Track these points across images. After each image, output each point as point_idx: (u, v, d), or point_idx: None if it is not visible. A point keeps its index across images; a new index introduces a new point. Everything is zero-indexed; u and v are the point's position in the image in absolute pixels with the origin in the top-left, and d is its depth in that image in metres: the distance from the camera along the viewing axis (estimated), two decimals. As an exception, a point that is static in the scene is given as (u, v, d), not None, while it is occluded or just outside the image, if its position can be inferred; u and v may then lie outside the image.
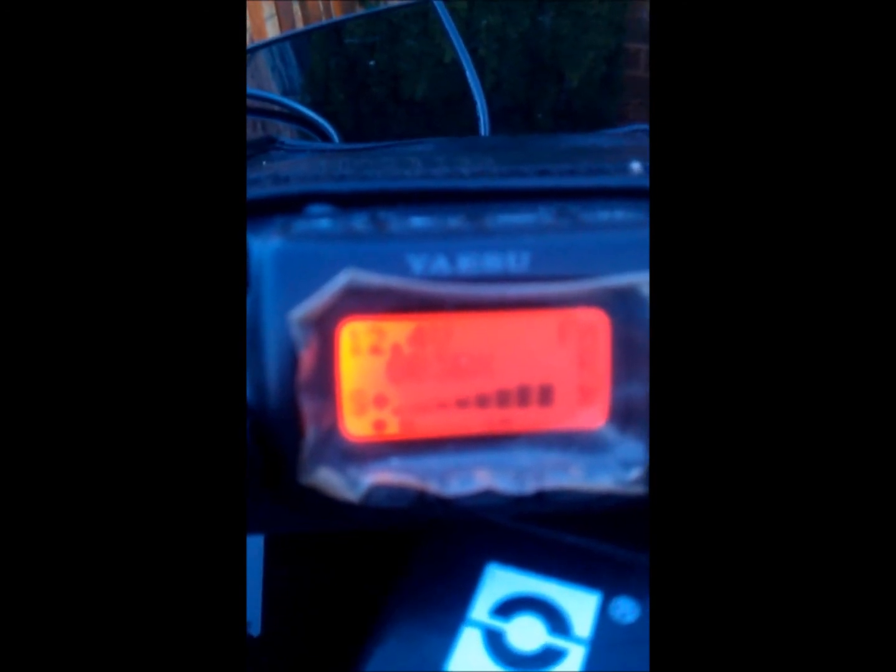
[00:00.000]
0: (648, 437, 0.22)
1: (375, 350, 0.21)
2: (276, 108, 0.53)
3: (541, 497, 0.21)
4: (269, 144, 0.37)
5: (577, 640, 0.20)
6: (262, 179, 0.24)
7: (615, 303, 0.21)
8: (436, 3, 0.56)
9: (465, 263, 0.20)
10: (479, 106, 0.46)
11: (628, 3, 0.82)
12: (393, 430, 0.22)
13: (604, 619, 0.21)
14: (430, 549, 0.23)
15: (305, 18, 1.20)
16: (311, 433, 0.21)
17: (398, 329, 0.21)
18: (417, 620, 0.21)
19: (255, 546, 0.29)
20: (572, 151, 0.33)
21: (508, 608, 0.21)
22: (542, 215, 0.21)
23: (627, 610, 0.21)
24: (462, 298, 0.20)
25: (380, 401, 0.21)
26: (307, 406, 0.21)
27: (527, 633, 0.21)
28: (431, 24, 0.68)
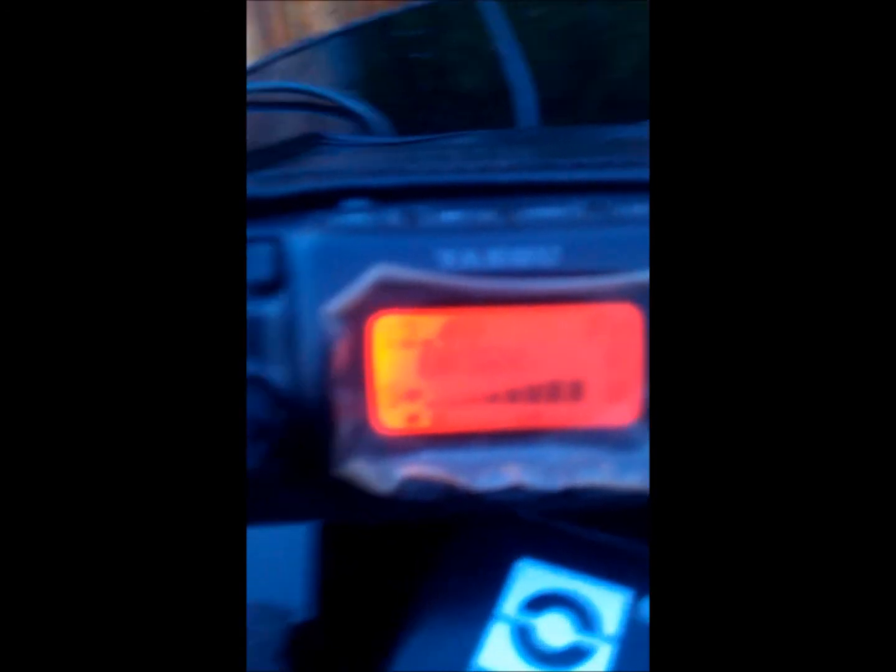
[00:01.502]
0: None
1: (407, 344, 0.21)
2: (322, 101, 0.53)
3: (570, 494, 0.21)
4: (313, 140, 0.38)
5: (606, 639, 0.20)
6: (300, 175, 0.24)
7: (647, 297, 0.21)
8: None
9: (495, 258, 0.20)
10: (525, 97, 0.45)
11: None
12: (425, 423, 0.22)
13: (633, 619, 0.21)
14: (462, 544, 0.23)
15: (354, 13, 1.21)
16: (344, 425, 0.21)
17: (429, 323, 0.21)
18: (448, 614, 0.21)
19: (301, 533, 0.29)
20: (614, 143, 0.32)
21: (538, 604, 0.21)
22: (574, 209, 0.21)
23: (658, 609, 0.21)
24: (491, 293, 0.20)
25: (412, 394, 0.22)
26: (341, 398, 0.21)
27: (555, 630, 0.21)
28: (481, 16, 0.68)
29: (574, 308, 0.21)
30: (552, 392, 0.22)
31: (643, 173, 0.23)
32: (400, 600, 0.23)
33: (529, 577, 0.22)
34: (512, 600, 0.21)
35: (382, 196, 0.22)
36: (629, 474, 0.21)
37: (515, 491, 0.21)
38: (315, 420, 0.21)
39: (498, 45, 0.55)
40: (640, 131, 0.38)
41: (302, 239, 0.21)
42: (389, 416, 0.22)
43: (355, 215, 0.22)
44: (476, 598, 0.22)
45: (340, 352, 0.21)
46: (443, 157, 0.26)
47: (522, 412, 0.22)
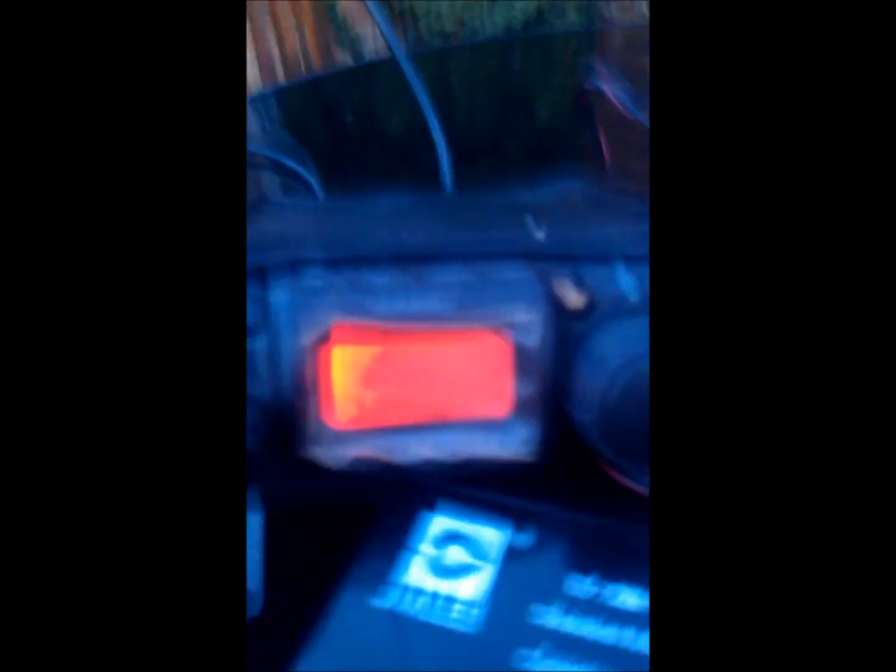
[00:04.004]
0: (538, 422, 0.32)
1: (355, 366, 0.31)
2: (260, 160, 0.61)
3: (466, 464, 0.31)
4: (261, 203, 0.47)
5: (489, 561, 0.31)
6: (269, 244, 0.33)
7: (513, 329, 0.31)
8: (403, 64, 0.63)
9: (412, 307, 0.30)
10: (443, 159, 0.54)
11: (595, 41, 0.89)
12: (367, 420, 0.32)
13: (510, 548, 0.31)
14: (389, 507, 0.33)
15: (284, 64, 1.28)
16: (310, 423, 0.31)
17: (368, 351, 0.31)
18: (379, 557, 0.31)
19: (254, 524, 0.36)
20: (506, 211, 0.42)
21: (443, 541, 0.32)
22: (465, 274, 0.32)
23: (526, 541, 0.32)
24: (409, 330, 0.30)
25: (358, 400, 0.31)
26: (308, 404, 0.31)
27: (455, 557, 0.31)
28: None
29: (466, 336, 0.31)
30: (455, 396, 0.32)
31: (513, 246, 0.33)
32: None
33: (437, 524, 0.32)
34: (425, 540, 0.32)
35: (332, 264, 0.32)
36: (505, 449, 0.32)
37: (428, 463, 0.31)
38: (291, 419, 0.31)
39: (420, 105, 0.59)
40: (533, 197, 0.47)
41: (279, 297, 0.31)
42: (342, 416, 0.32)
43: (314, 279, 0.31)
44: (400, 540, 0.32)
45: (308, 373, 0.30)
46: (369, 226, 0.36)
47: (433, 409, 0.32)
